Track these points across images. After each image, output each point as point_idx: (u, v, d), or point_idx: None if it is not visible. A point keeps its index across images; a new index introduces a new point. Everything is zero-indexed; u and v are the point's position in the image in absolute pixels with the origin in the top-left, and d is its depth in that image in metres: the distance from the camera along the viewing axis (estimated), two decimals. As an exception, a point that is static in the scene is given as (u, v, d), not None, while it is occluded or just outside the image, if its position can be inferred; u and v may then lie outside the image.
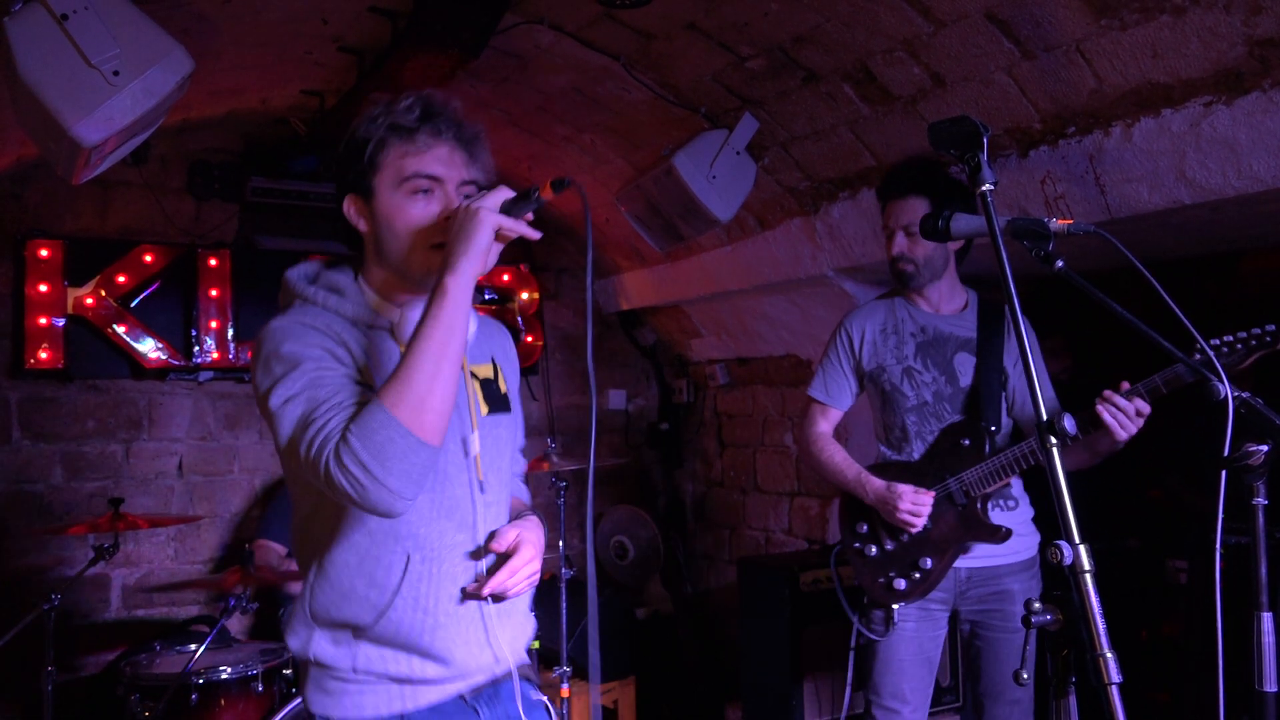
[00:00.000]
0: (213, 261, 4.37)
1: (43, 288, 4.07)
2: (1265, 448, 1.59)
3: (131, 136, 2.58)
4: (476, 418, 1.70)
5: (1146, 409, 2.37)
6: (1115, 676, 1.16)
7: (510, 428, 1.81)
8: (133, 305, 4.26)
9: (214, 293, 4.37)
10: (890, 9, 2.74)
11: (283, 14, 3.15)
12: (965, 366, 2.76)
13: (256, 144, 4.53)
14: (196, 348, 4.34)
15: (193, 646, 3.26)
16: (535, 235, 1.54)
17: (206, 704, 3.12)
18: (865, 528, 2.82)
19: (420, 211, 1.60)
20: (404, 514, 1.49)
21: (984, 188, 1.42)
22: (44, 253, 4.09)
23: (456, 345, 1.47)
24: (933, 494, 2.66)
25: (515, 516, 1.81)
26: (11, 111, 2.68)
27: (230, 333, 4.40)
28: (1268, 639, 1.65)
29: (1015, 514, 2.75)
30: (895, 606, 2.73)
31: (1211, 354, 1.62)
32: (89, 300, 4.15)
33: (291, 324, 1.58)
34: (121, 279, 4.22)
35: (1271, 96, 2.34)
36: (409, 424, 1.41)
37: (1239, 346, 2.25)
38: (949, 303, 2.83)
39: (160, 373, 4.33)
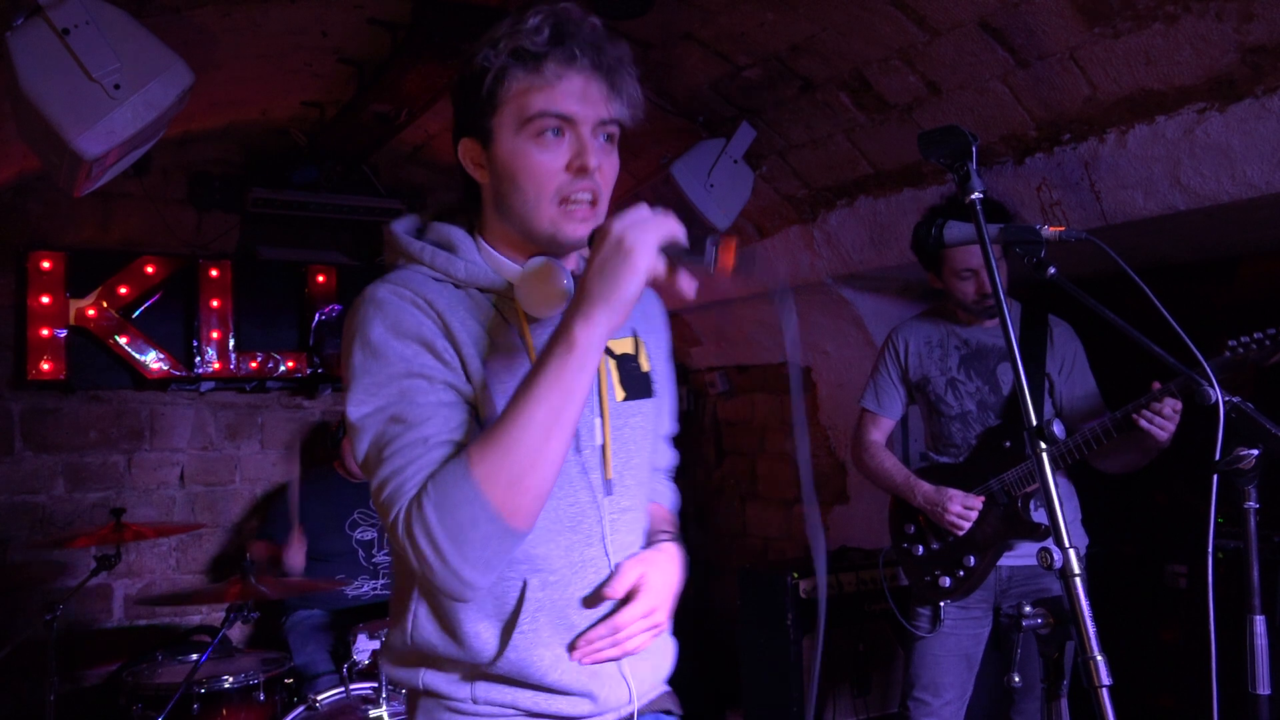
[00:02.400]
0: (214, 272, 4.39)
1: (44, 299, 4.09)
2: (1256, 452, 1.60)
3: (133, 149, 2.60)
4: (609, 404, 1.42)
5: (1179, 404, 2.43)
6: (1105, 679, 1.17)
7: (651, 416, 1.50)
8: (134, 316, 4.27)
9: (215, 303, 4.38)
10: (886, 18, 2.75)
11: (282, 26, 3.17)
12: (1008, 376, 2.84)
13: (257, 155, 4.55)
14: (198, 358, 4.35)
15: (195, 656, 3.27)
16: (691, 294, 1.20)
17: (208, 713, 3.12)
18: (913, 529, 2.92)
19: (548, 159, 1.29)
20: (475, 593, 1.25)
21: (973, 196, 1.43)
22: (46, 264, 4.10)
23: (573, 412, 1.19)
24: (981, 499, 2.74)
25: (651, 537, 1.51)
26: (13, 124, 2.70)
27: (231, 343, 4.41)
28: (1260, 642, 1.66)
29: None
30: (941, 604, 2.81)
31: (1203, 360, 1.63)
32: (91, 311, 4.16)
33: (388, 297, 1.29)
34: (123, 290, 4.24)
35: (1265, 103, 2.35)
36: (500, 506, 1.16)
37: (1266, 343, 2.28)
38: (993, 315, 2.88)
39: (162, 383, 4.34)
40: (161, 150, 4.18)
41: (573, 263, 1.40)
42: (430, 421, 1.22)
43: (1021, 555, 2.78)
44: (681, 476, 5.49)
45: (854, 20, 2.82)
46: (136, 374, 4.27)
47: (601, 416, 1.41)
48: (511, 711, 1.37)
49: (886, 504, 3.09)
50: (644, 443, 1.48)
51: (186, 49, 2.49)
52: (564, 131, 1.30)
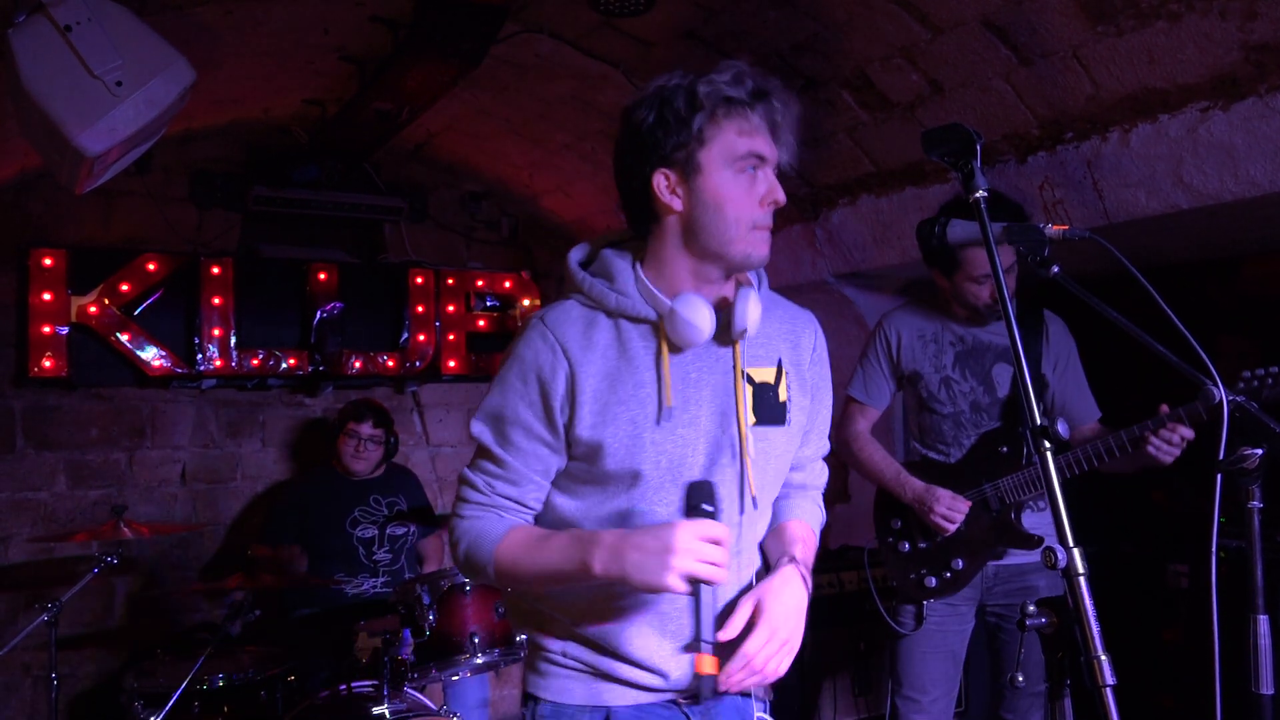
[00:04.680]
0: (215, 270, 4.38)
1: (46, 296, 4.09)
2: (1260, 451, 1.59)
3: (134, 146, 2.60)
4: (746, 428, 1.58)
5: (1190, 434, 2.41)
6: (1110, 679, 1.16)
7: (782, 442, 1.64)
8: (136, 313, 4.27)
9: (217, 300, 4.38)
10: (888, 16, 2.75)
11: (284, 24, 3.17)
12: (1003, 377, 2.80)
13: (259, 153, 4.55)
14: (199, 355, 4.34)
15: (196, 654, 3.26)
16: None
17: (209, 712, 3.12)
18: (899, 524, 2.89)
19: (749, 192, 1.52)
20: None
21: (977, 195, 1.43)
22: (47, 262, 4.10)
23: (558, 587, 1.59)
24: (969, 503, 2.72)
25: (776, 558, 1.67)
26: (15, 122, 2.70)
27: (233, 340, 4.40)
28: (1263, 642, 1.65)
29: (1046, 515, 2.78)
30: (925, 603, 2.79)
31: (1208, 361, 1.62)
32: (92, 309, 4.16)
33: (533, 334, 1.57)
34: (124, 287, 4.23)
35: (1268, 102, 2.35)
36: (495, 576, 1.58)
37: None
38: (999, 318, 2.83)
39: (163, 380, 4.34)
40: (163, 148, 4.18)
41: (729, 288, 1.60)
42: (505, 477, 1.60)
43: (1008, 554, 2.76)
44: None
45: (856, 18, 2.81)
46: (138, 371, 4.26)
47: (740, 438, 1.57)
48: (588, 672, 1.61)
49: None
50: (774, 465, 1.64)
51: (188, 46, 2.49)
52: (758, 169, 1.53)
